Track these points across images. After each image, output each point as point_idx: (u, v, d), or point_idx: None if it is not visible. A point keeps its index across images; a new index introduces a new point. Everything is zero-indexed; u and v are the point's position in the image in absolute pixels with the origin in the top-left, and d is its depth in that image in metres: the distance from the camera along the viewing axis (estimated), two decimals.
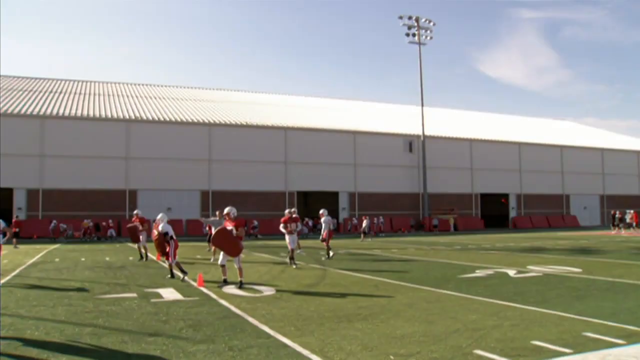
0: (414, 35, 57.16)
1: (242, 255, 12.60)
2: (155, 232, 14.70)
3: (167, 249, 14.11)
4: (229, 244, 12.25)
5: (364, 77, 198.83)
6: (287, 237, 17.40)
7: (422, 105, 57.43)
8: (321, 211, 21.66)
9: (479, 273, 14.78)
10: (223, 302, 10.17)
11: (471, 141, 60.86)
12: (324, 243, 20.68)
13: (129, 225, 22.01)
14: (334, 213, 52.80)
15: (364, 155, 54.72)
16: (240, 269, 12.38)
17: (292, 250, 17.41)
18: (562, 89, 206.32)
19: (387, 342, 6.87)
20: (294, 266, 16.91)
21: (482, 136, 63.16)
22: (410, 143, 57.67)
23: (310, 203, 56.96)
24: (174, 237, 14.23)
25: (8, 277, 14.64)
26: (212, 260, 19.51)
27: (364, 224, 37.22)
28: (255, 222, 42.86)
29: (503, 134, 66.70)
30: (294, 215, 17.88)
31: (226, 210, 12.76)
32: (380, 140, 56.19)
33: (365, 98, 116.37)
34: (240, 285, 12.11)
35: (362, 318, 8.51)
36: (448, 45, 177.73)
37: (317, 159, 52.59)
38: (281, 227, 17.45)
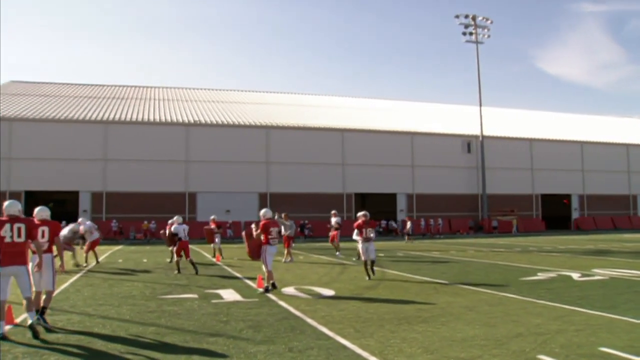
0: (470, 34, 56.46)
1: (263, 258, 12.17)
2: (167, 232, 17.48)
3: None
4: (247, 246, 12.52)
5: (420, 78, 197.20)
6: (360, 245, 14.55)
7: (480, 105, 56.58)
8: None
9: (540, 276, 14.44)
10: (282, 303, 10.25)
11: (531, 141, 59.44)
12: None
13: (164, 230, 22.80)
14: (392, 215, 52.61)
15: (422, 156, 54.24)
16: (269, 272, 12.09)
17: (372, 262, 14.21)
18: (628, 85, 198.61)
19: (448, 346, 6.80)
20: (368, 278, 13.98)
21: (543, 135, 61.56)
22: (469, 143, 56.85)
23: (368, 205, 56.77)
24: (182, 239, 16.31)
25: (75, 277, 15.17)
26: (284, 261, 19.90)
27: (408, 225, 37.19)
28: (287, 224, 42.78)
29: (564, 133, 64.75)
30: (367, 219, 14.49)
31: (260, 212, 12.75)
32: (438, 141, 55.59)
33: (421, 99, 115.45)
34: (267, 290, 11.84)
35: (422, 320, 8.44)
36: (505, 42, 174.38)
37: (375, 160, 52.42)
38: (355, 235, 14.68)
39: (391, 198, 53.98)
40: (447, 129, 58.68)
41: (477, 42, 56.52)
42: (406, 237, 36.94)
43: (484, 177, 54.71)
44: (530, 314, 8.84)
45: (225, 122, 51.00)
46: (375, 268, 14.44)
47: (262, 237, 12.14)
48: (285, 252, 20.42)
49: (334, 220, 23.24)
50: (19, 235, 7.59)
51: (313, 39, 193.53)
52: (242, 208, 47.71)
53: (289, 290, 12.07)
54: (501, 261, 19.72)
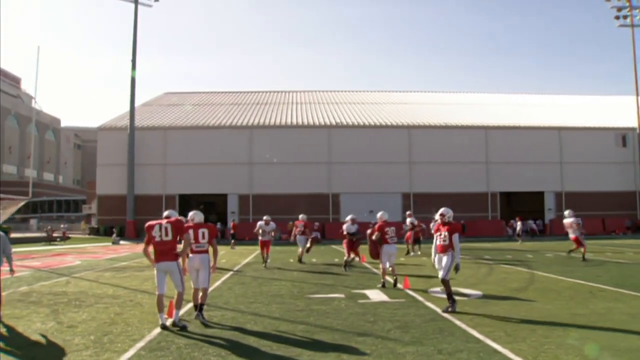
0: (625, 17, 52.58)
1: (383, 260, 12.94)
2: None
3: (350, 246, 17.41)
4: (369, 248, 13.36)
5: (565, 69, 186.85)
6: (436, 258, 9.84)
7: (637, 95, 52.50)
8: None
9: None
10: (429, 304, 10.16)
11: None
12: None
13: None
14: (540, 214, 50.37)
15: (571, 152, 51.28)
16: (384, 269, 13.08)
17: (444, 284, 9.60)
18: None
19: (610, 355, 6.39)
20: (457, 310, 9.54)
21: None
22: (624, 137, 52.92)
23: (514, 204, 54.77)
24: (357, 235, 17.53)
25: (227, 276, 15.94)
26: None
27: (518, 226, 36.03)
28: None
29: None
30: (444, 219, 9.93)
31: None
32: (589, 135, 52.22)
33: (567, 91, 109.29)
34: (395, 283, 12.69)
35: (579, 326, 8.01)
36: None
37: (520, 158, 50.38)
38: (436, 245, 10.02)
39: (538, 197, 51.63)
40: (597, 123, 54.93)
41: (632, 26, 52.56)
42: (518, 238, 35.85)
43: None
44: None
45: (366, 123, 51.42)
46: (519, 268, 13.77)
47: (381, 238, 12.73)
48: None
49: (408, 220, 23.65)
50: (166, 234, 8.41)
51: (453, 37, 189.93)
52: (385, 209, 47.46)
53: (436, 291, 11.92)
54: None
